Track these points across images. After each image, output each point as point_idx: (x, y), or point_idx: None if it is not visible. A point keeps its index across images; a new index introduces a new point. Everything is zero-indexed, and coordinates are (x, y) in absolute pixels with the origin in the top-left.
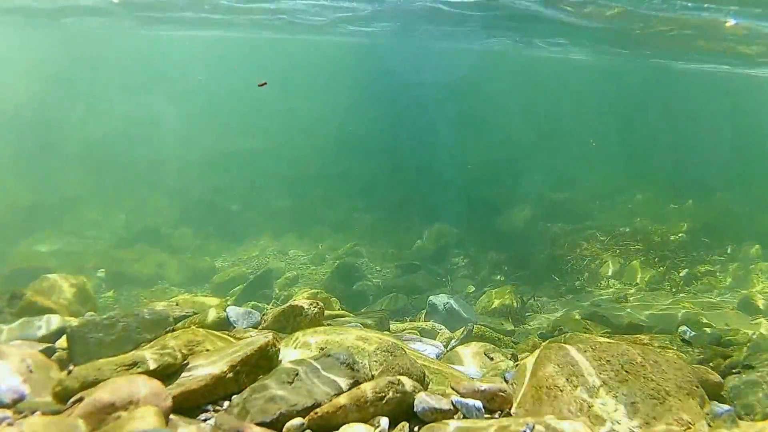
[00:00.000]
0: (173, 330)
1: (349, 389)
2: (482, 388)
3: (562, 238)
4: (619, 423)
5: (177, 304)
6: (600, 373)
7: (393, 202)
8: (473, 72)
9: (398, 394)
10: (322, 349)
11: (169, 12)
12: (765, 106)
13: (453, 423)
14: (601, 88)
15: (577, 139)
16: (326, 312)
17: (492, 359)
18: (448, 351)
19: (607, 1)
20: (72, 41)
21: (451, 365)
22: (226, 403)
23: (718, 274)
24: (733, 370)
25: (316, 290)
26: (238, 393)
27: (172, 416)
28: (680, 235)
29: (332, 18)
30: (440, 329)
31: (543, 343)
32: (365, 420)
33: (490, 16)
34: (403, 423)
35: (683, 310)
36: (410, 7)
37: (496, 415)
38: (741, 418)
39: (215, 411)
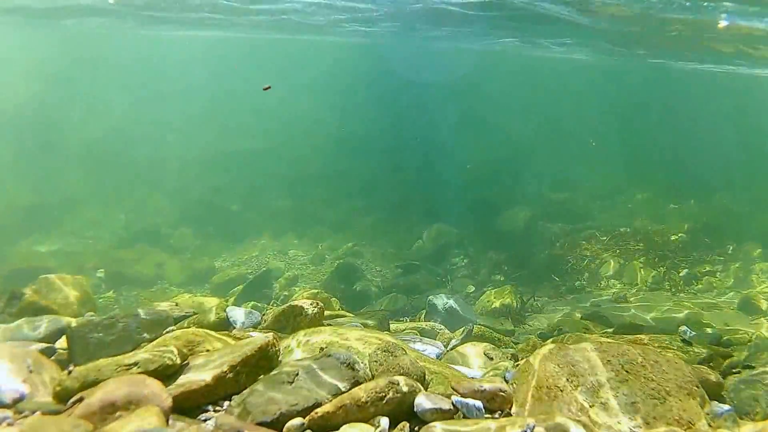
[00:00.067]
0: (173, 330)
1: (350, 389)
2: (482, 388)
3: (562, 238)
4: (619, 423)
5: (177, 305)
6: (601, 373)
7: (393, 202)
8: (473, 72)
9: (398, 394)
10: (322, 349)
11: (168, 12)
12: (765, 106)
13: (453, 423)
14: (601, 88)
15: (577, 139)
16: (326, 312)
17: (492, 359)
18: (448, 351)
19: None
20: (72, 41)
21: (452, 365)
22: (226, 403)
23: (718, 274)
24: (734, 370)
25: (316, 290)
26: (238, 393)
27: (172, 416)
28: (680, 235)
29: (333, 18)
30: (440, 329)
31: (543, 343)
32: (366, 420)
33: (498, 16)
34: (404, 423)
35: (685, 311)
36: (415, 9)
37: (497, 415)
38: (741, 418)
39: (215, 411)
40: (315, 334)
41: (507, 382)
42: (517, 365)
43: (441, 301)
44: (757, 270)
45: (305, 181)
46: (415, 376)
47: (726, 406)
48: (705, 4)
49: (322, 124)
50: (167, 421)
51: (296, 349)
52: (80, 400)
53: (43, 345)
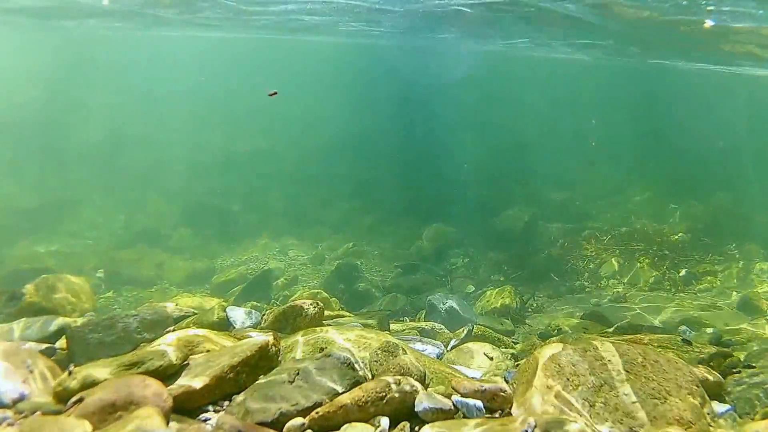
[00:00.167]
0: (173, 330)
1: (350, 389)
2: (483, 388)
3: (562, 238)
4: (620, 422)
5: (177, 305)
6: (601, 373)
7: (393, 202)
8: (473, 72)
9: (399, 394)
10: (322, 349)
11: (168, 12)
12: (766, 106)
13: (453, 422)
14: (601, 88)
15: (577, 138)
16: (326, 312)
17: (492, 359)
18: (448, 351)
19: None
20: (71, 43)
21: (452, 365)
22: (226, 403)
23: (718, 274)
24: (734, 370)
25: (316, 290)
26: (238, 393)
27: (172, 416)
28: (680, 235)
29: (335, 18)
30: (440, 329)
31: (543, 343)
32: (366, 420)
33: (509, 17)
34: (404, 423)
35: (683, 310)
36: (427, 10)
37: (497, 415)
38: (741, 418)
39: (216, 411)
40: (315, 334)
41: (507, 381)
42: (518, 365)
43: (441, 301)
44: (757, 270)
45: (305, 181)
46: (415, 376)
47: (726, 406)
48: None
49: (322, 125)
50: (167, 421)
51: (296, 349)
52: (80, 400)
53: (43, 345)
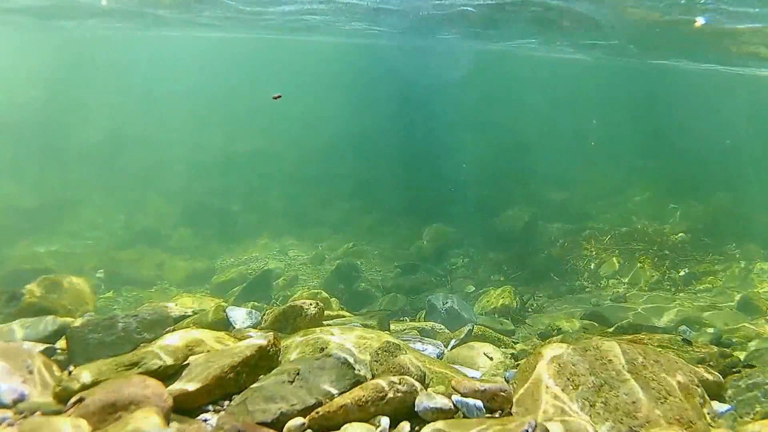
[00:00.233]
0: (173, 330)
1: (350, 389)
2: (483, 388)
3: (562, 238)
4: (620, 422)
5: (177, 305)
6: (601, 373)
7: (393, 202)
8: (473, 72)
9: (399, 394)
10: (322, 349)
11: (168, 12)
12: (766, 106)
13: (454, 422)
14: (601, 88)
15: (577, 139)
16: (326, 312)
17: (492, 359)
18: (448, 351)
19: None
20: (71, 43)
21: (452, 365)
22: (226, 403)
23: (718, 274)
24: (734, 370)
25: (316, 290)
26: (238, 393)
27: (172, 416)
28: (680, 235)
29: (336, 18)
30: (440, 329)
31: (543, 343)
32: (366, 419)
33: (516, 18)
34: (404, 422)
35: (683, 310)
36: (434, 11)
37: (497, 415)
38: (741, 418)
39: (216, 411)
40: (315, 335)
41: (507, 381)
42: (518, 365)
43: (441, 301)
44: (757, 270)
45: (305, 181)
46: (415, 376)
47: (726, 406)
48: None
49: (322, 125)
50: (167, 421)
51: (296, 349)
52: (80, 400)
53: (43, 345)
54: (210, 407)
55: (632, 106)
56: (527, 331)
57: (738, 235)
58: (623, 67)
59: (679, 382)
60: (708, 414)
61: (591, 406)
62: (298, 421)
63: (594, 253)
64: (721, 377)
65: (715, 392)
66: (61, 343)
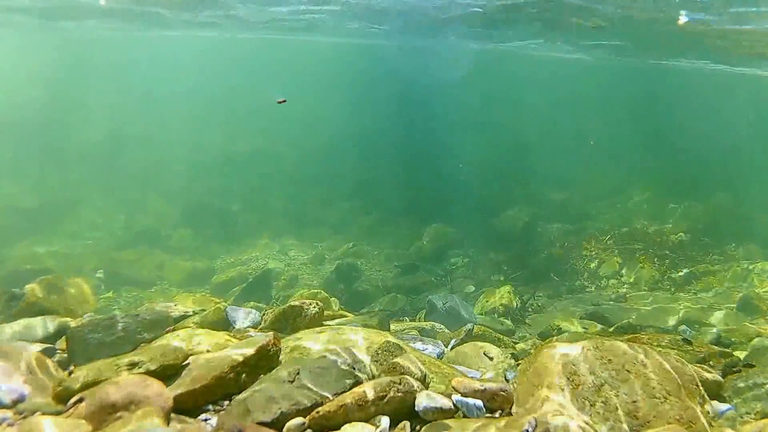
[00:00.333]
0: (173, 330)
1: (350, 389)
2: (483, 388)
3: (562, 238)
4: (620, 422)
5: (177, 305)
6: (601, 372)
7: (393, 202)
8: (473, 72)
9: (399, 394)
10: (322, 349)
11: (168, 12)
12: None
13: (454, 422)
14: (601, 88)
15: (577, 138)
16: (326, 312)
17: (492, 359)
18: (448, 350)
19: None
20: (71, 44)
21: (452, 365)
22: (226, 403)
23: (717, 273)
24: (734, 369)
25: (316, 290)
26: (238, 393)
27: (173, 416)
28: (680, 235)
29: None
30: (440, 329)
31: (543, 343)
32: (366, 419)
33: (522, 18)
34: (405, 422)
35: (683, 309)
36: (442, 15)
37: (497, 415)
38: (741, 417)
39: (216, 411)
40: (315, 334)
41: (507, 381)
42: (518, 365)
43: (441, 301)
44: (758, 270)
45: (305, 181)
46: (415, 376)
47: (726, 405)
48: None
49: (322, 125)
50: (168, 421)
51: (296, 349)
52: (80, 400)
53: (43, 345)
54: (210, 407)
55: (632, 106)
56: (527, 330)
57: (738, 235)
58: (623, 67)
59: (678, 382)
60: (708, 414)
61: (591, 405)
62: (298, 420)
63: (594, 253)
64: (721, 377)
65: (715, 392)
66: (61, 344)
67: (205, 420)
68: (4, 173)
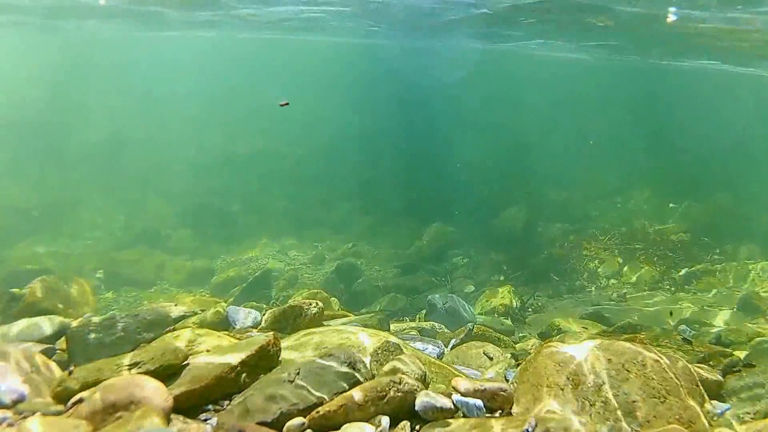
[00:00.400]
0: (173, 330)
1: (350, 389)
2: (483, 388)
3: (562, 238)
4: (620, 421)
5: (176, 305)
6: (601, 372)
7: (392, 202)
8: (473, 72)
9: (399, 393)
10: (322, 349)
11: (168, 12)
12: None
13: (454, 422)
14: (601, 88)
15: (577, 138)
16: (326, 312)
17: (492, 359)
18: (448, 350)
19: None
20: (71, 44)
21: (452, 365)
22: (226, 403)
23: (717, 273)
24: (734, 369)
25: (316, 290)
26: (238, 393)
27: (173, 416)
28: (680, 234)
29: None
30: (440, 329)
31: (543, 343)
32: (366, 419)
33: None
34: (405, 422)
35: (684, 310)
36: (448, 18)
37: (497, 414)
38: (741, 417)
39: (216, 411)
40: (315, 334)
41: (507, 381)
42: (518, 364)
43: (441, 301)
44: (758, 269)
45: (305, 181)
46: (415, 376)
47: (726, 405)
48: None
49: (322, 125)
50: (168, 421)
51: (296, 349)
52: (80, 400)
53: (43, 346)
54: (210, 407)
55: (632, 106)
56: (527, 330)
57: (738, 235)
58: (623, 67)
59: (678, 382)
60: (708, 413)
61: (591, 405)
62: (298, 420)
63: (594, 253)
64: (720, 377)
65: (715, 392)
66: (61, 344)
67: (205, 420)
68: (4, 173)
